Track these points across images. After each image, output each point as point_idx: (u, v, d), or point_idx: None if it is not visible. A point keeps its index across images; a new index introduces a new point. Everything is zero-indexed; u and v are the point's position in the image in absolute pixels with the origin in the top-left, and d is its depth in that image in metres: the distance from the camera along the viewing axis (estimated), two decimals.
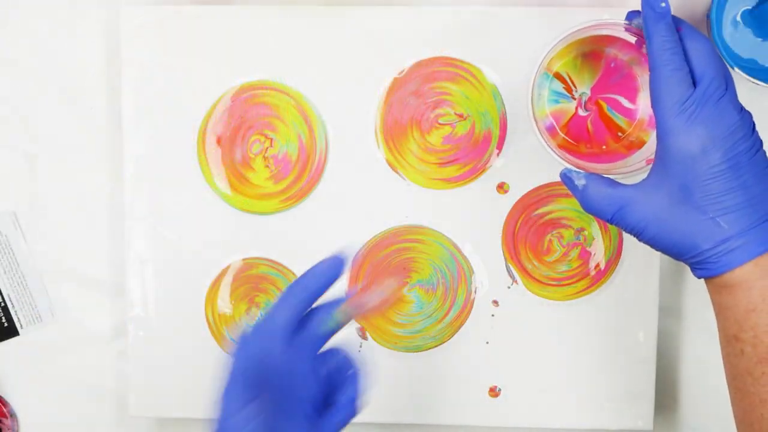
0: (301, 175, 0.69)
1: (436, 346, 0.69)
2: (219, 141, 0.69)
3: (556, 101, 0.62)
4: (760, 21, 0.65)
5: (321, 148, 0.68)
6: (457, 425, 0.70)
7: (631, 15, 0.56)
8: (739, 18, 0.65)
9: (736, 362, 0.51)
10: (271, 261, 0.69)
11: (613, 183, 0.53)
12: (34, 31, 0.71)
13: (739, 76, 0.63)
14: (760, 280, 0.49)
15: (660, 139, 0.51)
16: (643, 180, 0.52)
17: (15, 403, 0.73)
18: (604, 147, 0.62)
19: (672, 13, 0.65)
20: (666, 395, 0.71)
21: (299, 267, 0.69)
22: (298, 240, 0.69)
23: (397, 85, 0.68)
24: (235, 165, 0.69)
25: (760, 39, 0.65)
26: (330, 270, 0.53)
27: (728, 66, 0.63)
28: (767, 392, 0.50)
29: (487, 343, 0.69)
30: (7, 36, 0.71)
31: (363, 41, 0.68)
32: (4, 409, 0.73)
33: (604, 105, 0.62)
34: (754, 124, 0.51)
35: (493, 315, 0.69)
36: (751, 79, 0.63)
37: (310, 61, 0.68)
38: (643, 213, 0.51)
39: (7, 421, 0.73)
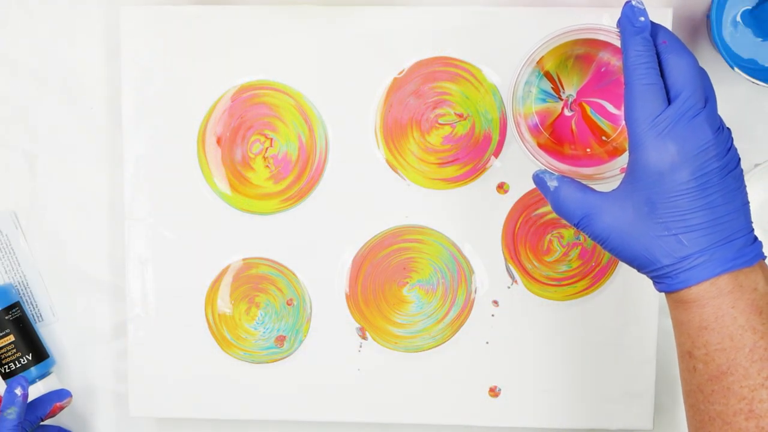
0: (301, 175, 0.69)
1: (436, 346, 0.69)
2: (219, 141, 0.69)
3: (544, 100, 0.62)
4: (760, 21, 0.65)
5: (321, 148, 0.68)
6: (457, 425, 0.70)
7: None
8: (739, 18, 0.65)
9: (689, 378, 0.51)
10: (271, 261, 0.69)
11: (583, 188, 0.54)
12: (34, 31, 0.71)
13: (739, 76, 0.63)
14: (715, 299, 0.50)
15: (631, 151, 0.51)
16: (613, 190, 0.53)
17: None
18: (588, 150, 0.61)
19: (671, 14, 0.66)
20: (666, 395, 0.71)
21: (299, 267, 0.69)
22: (298, 240, 0.69)
23: (397, 85, 0.68)
24: (235, 165, 0.69)
25: (760, 39, 0.65)
26: None
27: (730, 67, 0.63)
28: (715, 410, 0.50)
29: (487, 343, 0.69)
30: (7, 36, 0.71)
31: (363, 41, 0.68)
32: None
33: (588, 108, 0.61)
34: (731, 144, 0.51)
35: (493, 315, 0.69)
36: (751, 79, 0.63)
37: (310, 61, 0.68)
38: (608, 222, 0.52)
39: None
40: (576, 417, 0.69)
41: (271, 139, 0.69)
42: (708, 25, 0.64)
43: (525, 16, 0.66)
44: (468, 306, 0.69)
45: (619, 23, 0.53)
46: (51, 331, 0.73)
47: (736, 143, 0.52)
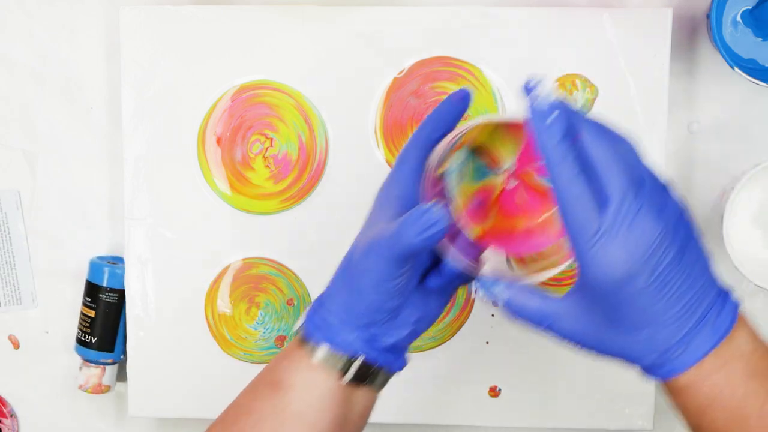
0: (301, 175, 0.69)
1: (436, 346, 0.69)
2: (219, 141, 0.69)
3: (481, 178, 0.54)
4: (760, 21, 0.65)
5: (321, 148, 0.68)
6: (457, 425, 0.70)
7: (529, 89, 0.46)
8: (739, 18, 0.65)
9: None
10: (271, 261, 0.69)
11: (540, 295, 0.48)
12: (34, 31, 0.71)
13: (739, 76, 0.63)
14: (707, 380, 0.47)
15: (579, 267, 0.45)
16: (570, 294, 0.47)
17: (15, 403, 0.73)
18: (540, 219, 0.53)
19: (671, 14, 0.65)
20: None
21: (299, 267, 0.69)
22: (298, 240, 0.69)
23: (397, 85, 0.68)
24: (235, 165, 0.69)
25: (760, 39, 0.65)
26: (458, 104, 0.52)
27: (730, 67, 0.63)
28: None
29: (487, 343, 0.69)
30: (7, 36, 0.71)
31: (363, 41, 0.68)
32: (4, 409, 0.73)
33: (532, 173, 0.53)
34: (679, 215, 0.45)
35: (493, 315, 0.69)
36: (751, 79, 0.63)
37: (310, 61, 0.68)
38: (575, 328, 0.47)
39: (7, 421, 0.73)
40: (576, 417, 0.69)
41: (271, 139, 0.69)
42: (708, 25, 0.64)
43: (525, 16, 0.66)
44: (468, 306, 0.69)
45: (531, 121, 0.45)
46: (51, 331, 0.73)
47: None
